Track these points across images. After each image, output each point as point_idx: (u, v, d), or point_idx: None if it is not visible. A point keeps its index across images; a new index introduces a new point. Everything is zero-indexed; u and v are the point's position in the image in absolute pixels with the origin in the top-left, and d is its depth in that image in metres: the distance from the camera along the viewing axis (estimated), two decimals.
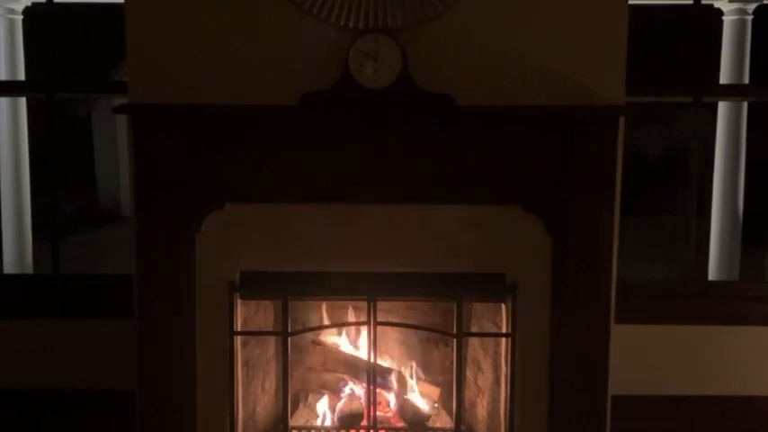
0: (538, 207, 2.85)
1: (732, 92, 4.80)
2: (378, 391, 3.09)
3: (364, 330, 3.11)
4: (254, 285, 2.94)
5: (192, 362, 2.90)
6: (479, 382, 3.27)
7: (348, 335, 3.41)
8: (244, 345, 3.03)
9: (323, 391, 3.39)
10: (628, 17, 2.83)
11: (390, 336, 3.40)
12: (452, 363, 3.05)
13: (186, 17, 2.82)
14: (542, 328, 2.89)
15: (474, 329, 3.21)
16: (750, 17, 5.09)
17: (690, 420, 3.68)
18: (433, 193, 2.85)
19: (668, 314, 3.70)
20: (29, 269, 4.98)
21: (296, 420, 3.27)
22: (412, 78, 2.75)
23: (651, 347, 3.66)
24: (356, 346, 3.39)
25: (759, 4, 5.00)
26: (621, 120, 2.82)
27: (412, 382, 3.36)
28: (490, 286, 2.93)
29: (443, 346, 3.41)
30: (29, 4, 4.87)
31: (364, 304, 2.96)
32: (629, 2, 2.84)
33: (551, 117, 2.79)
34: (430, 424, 3.27)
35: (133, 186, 2.85)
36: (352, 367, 3.35)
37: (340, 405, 3.28)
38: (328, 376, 3.40)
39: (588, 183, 2.81)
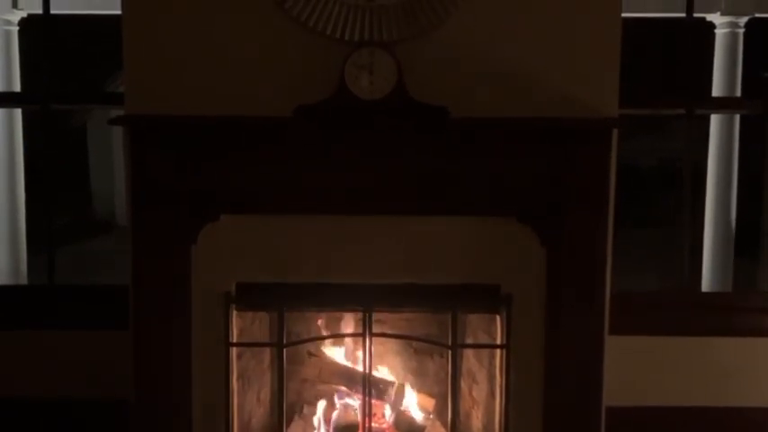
0: (532, 218, 2.86)
1: (724, 104, 4.84)
2: (373, 402, 3.09)
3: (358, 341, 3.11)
4: (250, 297, 2.94)
5: (187, 373, 2.90)
6: (474, 394, 3.28)
7: (343, 346, 3.41)
8: (239, 356, 3.03)
9: (318, 403, 3.39)
10: (621, 30, 2.86)
11: (385, 347, 3.41)
12: (447, 374, 3.05)
13: (182, 29, 2.83)
14: (537, 340, 2.90)
15: (469, 341, 3.21)
16: (742, 30, 5.14)
17: (684, 431, 3.69)
18: (428, 204, 2.86)
19: (662, 325, 3.70)
20: (23, 280, 4.98)
21: None
22: (407, 90, 2.76)
23: (645, 358, 3.67)
24: (352, 358, 3.39)
25: (751, 17, 5.05)
26: (615, 131, 2.84)
27: (407, 393, 3.37)
28: (485, 297, 2.94)
29: (438, 358, 3.41)
30: (25, 15, 4.89)
31: (360, 315, 2.97)
32: (623, 14, 2.87)
33: (545, 129, 2.81)
34: None
35: (129, 197, 2.86)
36: (348, 378, 3.35)
37: (335, 416, 3.28)
38: (324, 387, 3.40)
39: (582, 194, 2.83)
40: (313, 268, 2.91)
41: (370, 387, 3.02)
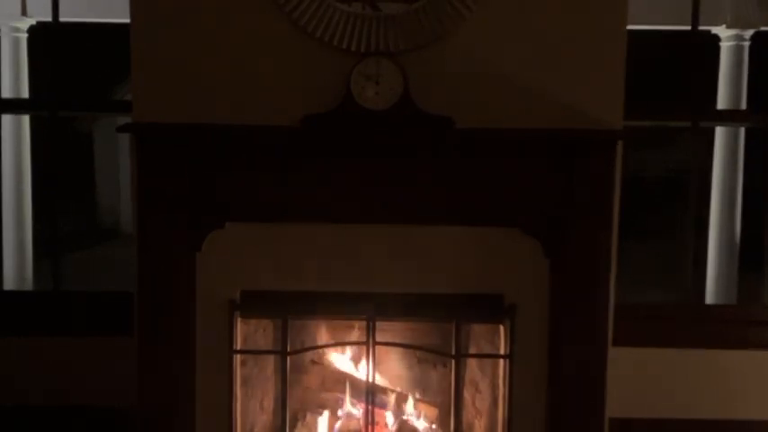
0: (537, 229, 2.87)
1: (730, 117, 4.84)
2: (376, 410, 3.09)
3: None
4: (255, 304, 2.95)
5: (191, 380, 2.91)
6: (477, 404, 3.27)
7: (347, 354, 3.41)
8: (242, 363, 3.04)
9: (321, 411, 3.39)
10: (626, 42, 2.87)
11: (389, 356, 3.41)
12: (450, 383, 3.05)
13: (190, 38, 2.85)
14: (540, 350, 2.90)
15: (472, 350, 3.21)
16: (747, 43, 5.15)
17: None
18: (433, 214, 2.87)
19: (666, 337, 3.70)
20: (29, 286, 4.99)
21: None
22: (413, 101, 2.78)
23: (649, 370, 3.67)
24: (355, 366, 3.39)
25: (756, 30, 5.06)
26: (620, 143, 2.85)
27: (410, 403, 3.37)
28: (488, 307, 2.94)
29: (441, 367, 3.41)
30: (34, 23, 4.93)
31: (364, 323, 2.97)
32: (628, 27, 2.88)
33: (550, 140, 2.82)
34: None
35: (135, 204, 2.87)
36: (351, 387, 3.35)
37: (338, 425, 3.28)
38: (327, 395, 3.41)
39: (586, 205, 2.83)
40: (317, 276, 2.92)
41: (373, 396, 3.02)
